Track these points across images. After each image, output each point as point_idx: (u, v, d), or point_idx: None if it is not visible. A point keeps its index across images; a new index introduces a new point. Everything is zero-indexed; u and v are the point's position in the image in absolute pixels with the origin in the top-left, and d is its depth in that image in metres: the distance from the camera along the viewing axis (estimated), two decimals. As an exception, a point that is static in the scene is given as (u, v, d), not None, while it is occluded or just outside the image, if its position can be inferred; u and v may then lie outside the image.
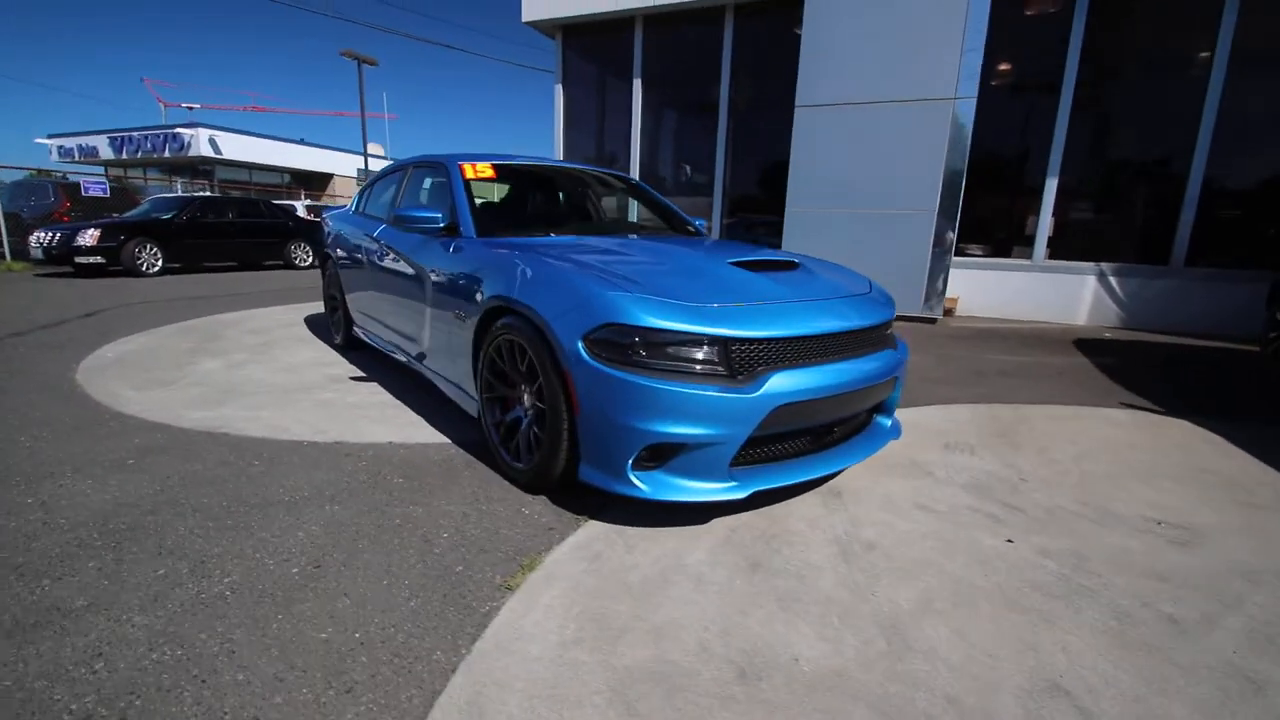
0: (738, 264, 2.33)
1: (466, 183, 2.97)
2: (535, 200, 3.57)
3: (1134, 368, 4.56)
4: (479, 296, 2.40)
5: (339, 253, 4.09)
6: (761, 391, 1.87)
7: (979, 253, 6.87)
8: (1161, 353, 5.16)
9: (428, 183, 3.44)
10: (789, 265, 2.45)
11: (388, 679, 1.34)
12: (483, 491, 2.26)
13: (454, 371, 2.74)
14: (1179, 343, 5.57)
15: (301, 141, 29.91)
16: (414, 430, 2.85)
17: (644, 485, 1.90)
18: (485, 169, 3.11)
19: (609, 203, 3.63)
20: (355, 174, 34.05)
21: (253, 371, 3.80)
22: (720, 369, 1.89)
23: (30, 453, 2.49)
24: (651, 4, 7.50)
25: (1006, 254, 6.82)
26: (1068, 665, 1.45)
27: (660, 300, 1.93)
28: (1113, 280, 6.30)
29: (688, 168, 8.08)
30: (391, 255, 3.27)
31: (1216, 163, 5.89)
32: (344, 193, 31.23)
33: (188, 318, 5.62)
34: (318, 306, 6.50)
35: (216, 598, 1.59)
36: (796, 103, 6.42)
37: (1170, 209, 6.11)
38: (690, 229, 3.46)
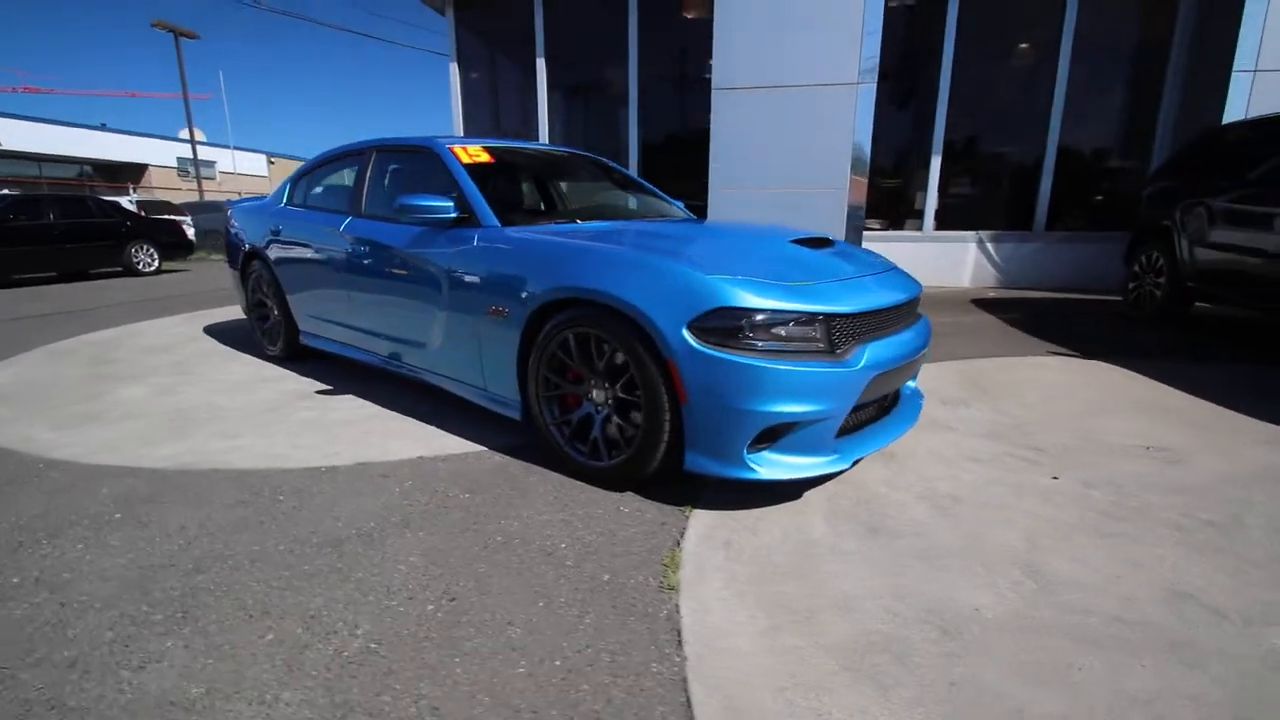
0: (797, 242, 2.37)
1: (468, 168, 2.74)
2: (531, 186, 3.35)
3: (1032, 320, 5.25)
4: (527, 291, 2.24)
5: (276, 252, 3.59)
6: (861, 364, 1.94)
7: (878, 227, 7.50)
8: (1046, 306, 5.98)
9: (397, 169, 3.11)
10: (830, 243, 2.54)
11: (627, 701, 1.25)
12: (565, 495, 2.14)
13: (479, 374, 2.55)
14: (1054, 297, 6.49)
15: (103, 127, 25.51)
16: (436, 442, 2.62)
17: (759, 467, 1.91)
18: (479, 153, 2.88)
19: (601, 186, 3.49)
20: (176, 164, 29.78)
21: (190, 395, 3.25)
22: (823, 345, 1.93)
23: (-36, 523, 1.96)
24: (551, -20, 7.27)
25: (901, 227, 7.51)
26: (1173, 573, 1.68)
27: (762, 282, 1.92)
28: (990, 246, 7.18)
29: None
30: (371, 251, 2.93)
31: (1065, 141, 6.89)
32: (162, 184, 27.23)
33: (47, 340, 4.65)
34: (212, 316, 5.67)
35: (364, 653, 1.38)
36: (713, 85, 6.56)
37: (1031, 182, 7.06)
38: (685, 213, 3.44)
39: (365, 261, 2.97)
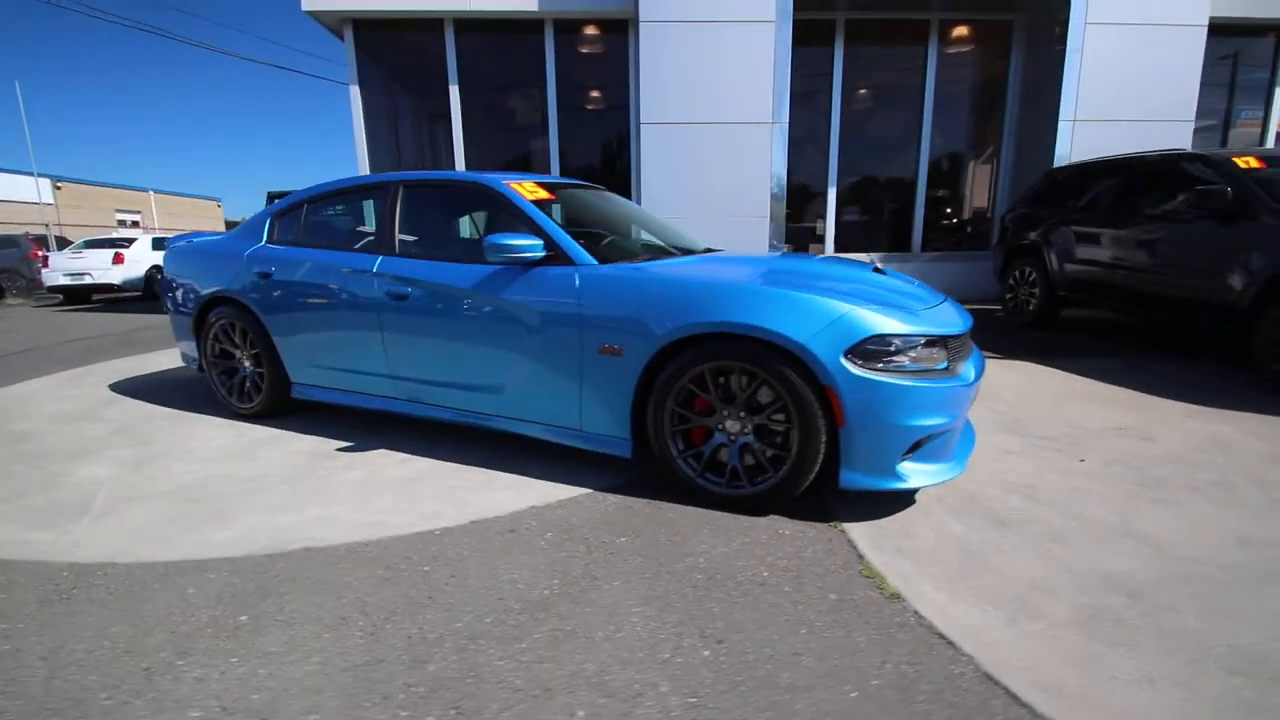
0: (875, 272, 2.63)
1: (540, 205, 2.68)
2: (578, 221, 3.25)
3: (941, 329, 6.08)
4: (653, 328, 2.26)
5: (263, 296, 3.17)
6: (971, 378, 2.23)
7: (789, 250, 8.20)
8: (936, 316, 6.93)
9: (439, 205, 2.94)
10: (883, 273, 2.83)
11: (961, 702, 1.36)
12: (718, 526, 2.17)
13: (574, 414, 2.50)
14: (933, 308, 7.54)
15: None
16: (531, 489, 2.50)
17: (909, 477, 2.11)
18: (537, 189, 2.81)
19: (629, 219, 3.47)
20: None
21: (181, 468, 2.76)
22: (945, 363, 2.19)
23: (49, 671, 1.55)
24: (462, 8, 7.10)
25: (806, 250, 8.27)
26: (1223, 524, 2.13)
27: (897, 309, 2.14)
28: (880, 266, 8.16)
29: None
30: (422, 292, 2.73)
31: (932, 175, 8.07)
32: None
33: (-114, 418, 3.63)
34: (102, 371, 4.74)
35: (693, 709, 1.35)
36: (640, 120, 6.82)
37: (908, 211, 8.16)
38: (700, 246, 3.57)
39: (412, 304, 2.75)
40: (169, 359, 5.21)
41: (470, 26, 7.37)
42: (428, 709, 1.36)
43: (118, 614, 1.72)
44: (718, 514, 2.26)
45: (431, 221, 2.94)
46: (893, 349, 2.06)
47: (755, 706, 1.35)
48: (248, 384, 3.41)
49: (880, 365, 2.05)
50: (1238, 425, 3.12)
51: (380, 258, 2.88)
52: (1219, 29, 7.09)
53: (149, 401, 3.85)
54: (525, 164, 7.98)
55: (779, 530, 2.14)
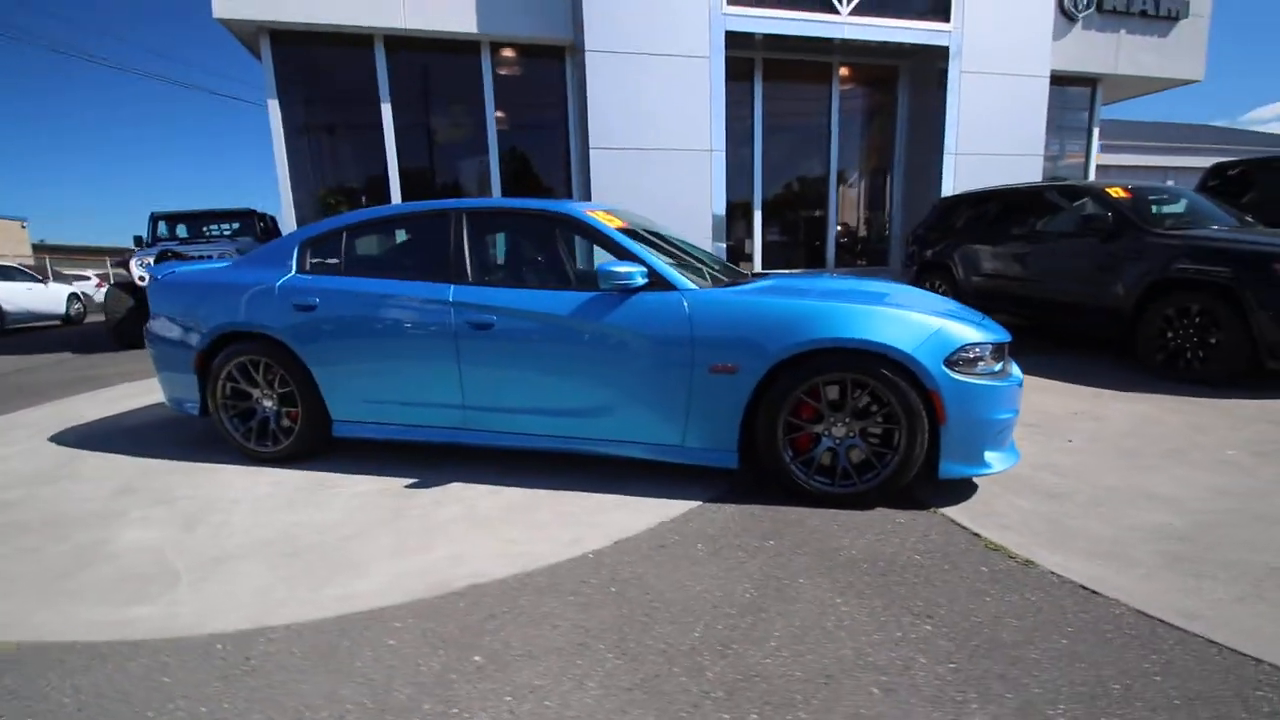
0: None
1: (628, 233, 2.79)
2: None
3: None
4: (767, 346, 2.46)
5: (303, 330, 2.94)
6: (1021, 378, 2.68)
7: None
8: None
9: (515, 233, 2.93)
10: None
11: (1148, 634, 1.71)
12: (839, 520, 2.41)
13: (677, 431, 2.64)
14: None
15: None
16: (641, 507, 2.58)
17: (992, 464, 2.49)
18: (613, 218, 2.91)
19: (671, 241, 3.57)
20: None
21: (241, 521, 2.51)
22: (1005, 365, 2.61)
23: (282, 728, 1.43)
24: (393, 25, 6.86)
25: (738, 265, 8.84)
26: (1212, 479, 2.73)
27: (969, 322, 2.53)
28: (801, 281, 8.95)
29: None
30: (512, 320, 2.72)
31: (840, 201, 8.99)
32: None
33: None
34: (30, 424, 4.00)
35: (953, 673, 1.57)
36: (590, 145, 6.98)
37: (821, 232, 9.01)
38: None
39: (499, 332, 2.73)
40: (89, 405, 4.51)
41: (403, 45, 7.13)
42: (744, 709, 1.46)
43: (331, 676, 1.61)
44: (829, 511, 2.50)
45: (515, 250, 2.93)
46: (976, 356, 2.43)
47: (1002, 662, 1.60)
48: (271, 425, 3.13)
49: (969, 370, 2.41)
50: (1154, 405, 3.91)
51: (453, 286, 2.82)
52: (1055, 79, 8.65)
53: (127, 454, 3.37)
54: (458, 185, 7.81)
55: (895, 520, 2.43)
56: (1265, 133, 26.81)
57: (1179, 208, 5.47)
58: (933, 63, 8.20)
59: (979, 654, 1.64)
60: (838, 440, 2.53)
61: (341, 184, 7.62)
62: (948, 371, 2.37)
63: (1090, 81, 9.50)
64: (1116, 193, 5.26)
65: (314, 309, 2.94)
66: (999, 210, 6.38)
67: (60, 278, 13.96)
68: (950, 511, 2.48)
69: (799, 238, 9.15)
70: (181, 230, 8.66)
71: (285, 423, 3.12)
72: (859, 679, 1.55)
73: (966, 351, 2.41)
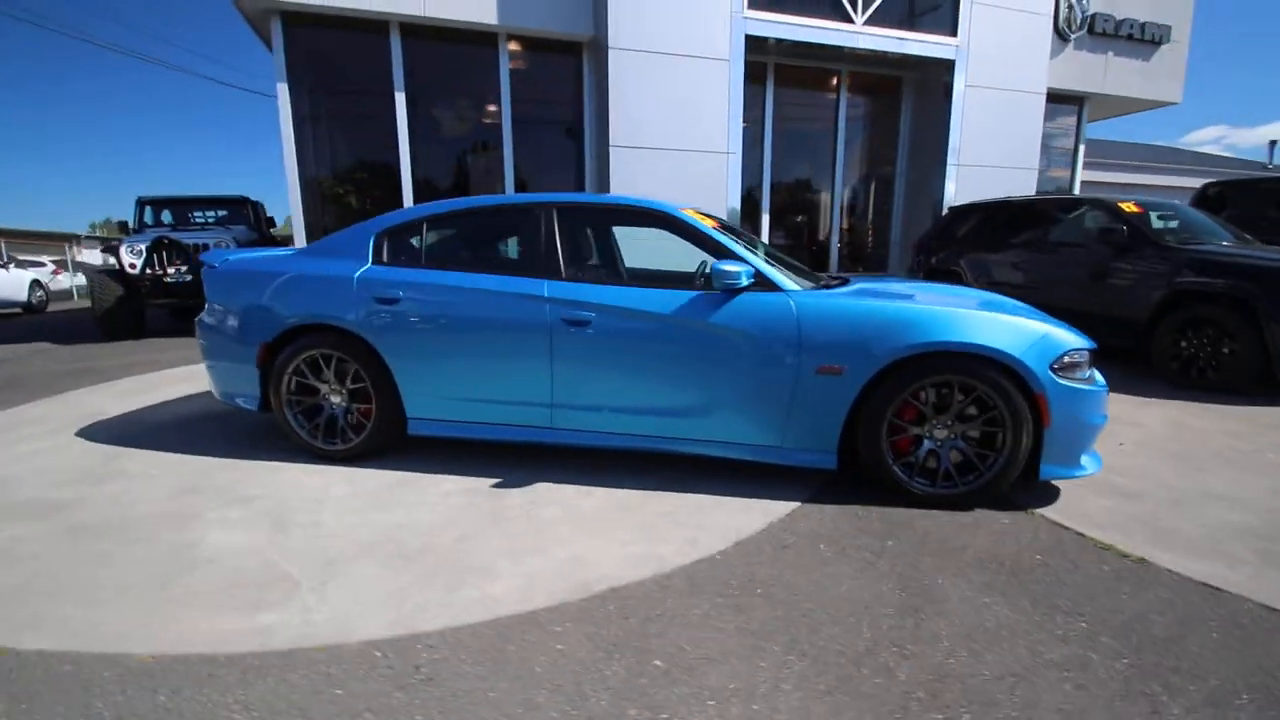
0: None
1: (728, 231, 2.78)
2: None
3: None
4: (876, 349, 2.48)
5: (385, 325, 2.84)
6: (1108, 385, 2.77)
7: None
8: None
9: (607, 231, 2.88)
10: (983, 295, 3.32)
11: (1276, 626, 1.79)
12: (948, 521, 2.45)
13: (777, 432, 2.64)
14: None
15: None
16: (745, 508, 2.57)
17: (1086, 467, 2.57)
18: (706, 218, 2.90)
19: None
20: None
21: (333, 525, 2.40)
22: (1094, 372, 2.69)
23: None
24: (409, 12, 6.69)
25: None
26: (1264, 481, 2.88)
27: (1066, 329, 2.60)
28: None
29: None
30: (612, 318, 2.67)
31: (842, 203, 9.15)
32: None
33: None
34: (44, 419, 3.74)
35: (1127, 666, 1.61)
36: (611, 142, 6.94)
37: (826, 235, 9.15)
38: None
39: (597, 330, 2.68)
40: (103, 399, 4.26)
41: (418, 33, 6.95)
42: (953, 710, 1.47)
43: (515, 682, 1.56)
44: (931, 512, 2.54)
45: (608, 248, 2.87)
46: (1077, 361, 2.51)
47: (1169, 656, 1.65)
48: (339, 422, 3.01)
49: (1071, 375, 2.48)
50: (1182, 411, 4.09)
51: (547, 282, 2.76)
52: (1047, 96, 8.99)
53: (171, 451, 3.19)
54: (472, 179, 7.66)
55: (999, 521, 2.48)
56: (1206, 153, 28.43)
57: (1183, 223, 5.75)
58: (937, 75, 8.42)
59: (1144, 649, 1.69)
60: (939, 442, 2.57)
61: (351, 174, 7.38)
62: (1053, 376, 2.43)
63: (1079, 100, 9.91)
64: (1129, 207, 5.49)
65: (396, 302, 2.83)
66: (1010, 220, 6.59)
67: (18, 263, 13.12)
68: (1046, 513, 2.54)
69: (802, 241, 9.28)
70: (167, 216, 8.25)
71: (354, 419, 3.00)
72: (1046, 676, 1.58)
73: (1070, 357, 2.48)
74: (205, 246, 6.89)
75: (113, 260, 6.76)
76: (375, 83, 6.93)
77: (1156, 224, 5.47)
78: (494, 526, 2.40)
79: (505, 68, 7.29)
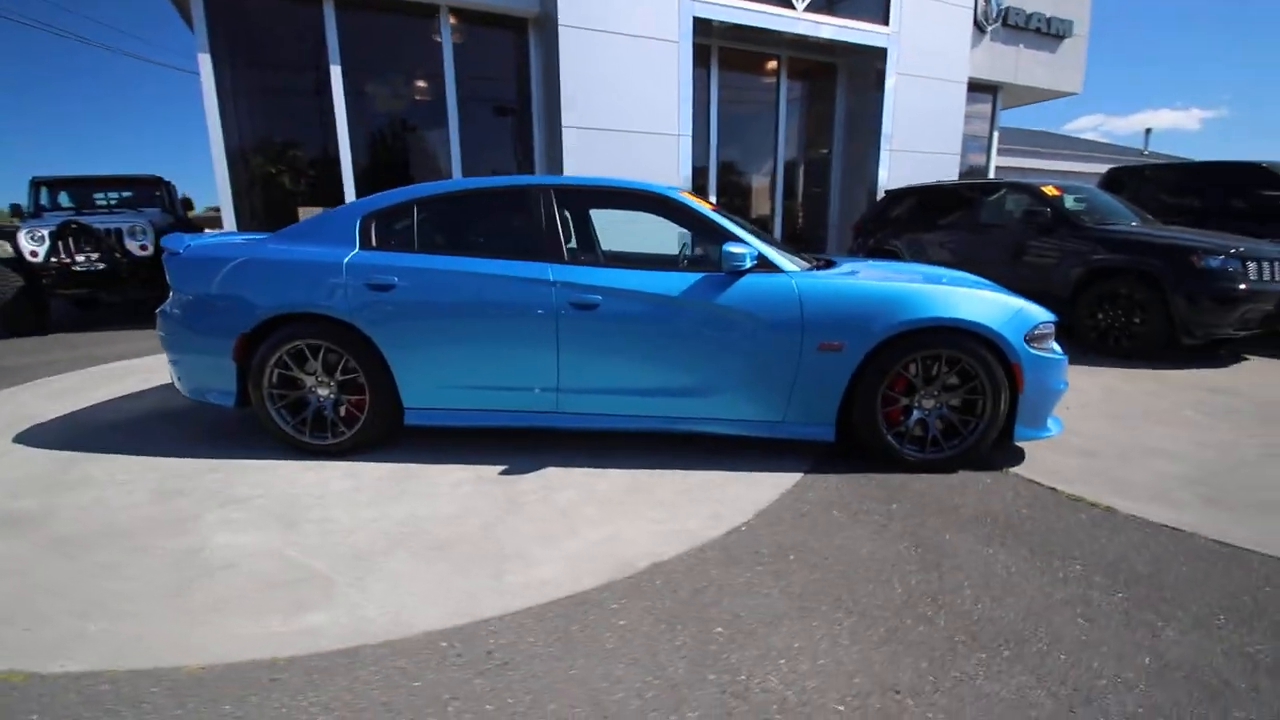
0: (969, 275, 3.34)
1: (723, 214, 2.84)
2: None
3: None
4: (873, 325, 2.64)
5: (380, 313, 2.73)
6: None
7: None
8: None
9: (608, 214, 2.88)
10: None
11: (1231, 556, 2.08)
12: (939, 483, 2.65)
13: (779, 408, 2.77)
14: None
15: None
16: (754, 482, 2.68)
17: (1051, 429, 2.85)
18: (703, 201, 2.95)
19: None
20: None
21: (347, 521, 2.33)
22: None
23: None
24: (342, -20, 6.30)
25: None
26: (1192, 435, 3.28)
27: (1035, 303, 2.85)
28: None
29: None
30: (619, 301, 2.69)
31: (784, 190, 9.42)
32: None
33: None
34: None
35: (1141, 598, 1.84)
36: (563, 123, 6.83)
37: (768, 216, 9.41)
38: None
39: (604, 313, 2.70)
40: (31, 400, 3.85)
41: (353, 3, 6.54)
42: (994, 648, 1.63)
43: (591, 659, 1.59)
44: (922, 476, 2.74)
45: (592, 229, 2.87)
46: (1045, 333, 2.76)
47: (1155, 589, 1.90)
48: (328, 416, 2.89)
49: (1041, 345, 2.74)
50: (1110, 377, 4.55)
51: (552, 265, 2.74)
52: (968, 86, 9.57)
53: (133, 454, 2.94)
54: (416, 157, 7.35)
55: (982, 481, 2.71)
56: (1093, 140, 31.09)
57: (1093, 205, 6.31)
58: (871, 62, 8.78)
59: (1132, 584, 1.92)
60: (926, 411, 2.78)
61: (283, 153, 6.90)
62: (1027, 347, 2.67)
63: (993, 89, 10.60)
64: (1051, 191, 5.98)
65: (391, 289, 2.73)
66: (943, 202, 7.02)
67: None
68: (1019, 471, 2.81)
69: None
70: (65, 199, 7.44)
71: (344, 412, 2.89)
72: (1060, 614, 1.78)
73: (1040, 329, 2.72)
74: (119, 231, 6.30)
75: (9, 248, 6.04)
76: (309, 56, 6.50)
77: (1072, 206, 6.00)
78: (516, 513, 2.40)
79: (449, 43, 7.00)
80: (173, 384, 3.12)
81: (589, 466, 2.83)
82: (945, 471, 2.78)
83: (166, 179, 7.81)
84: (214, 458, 2.93)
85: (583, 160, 6.92)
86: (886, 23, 8.39)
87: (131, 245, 6.33)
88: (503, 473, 2.77)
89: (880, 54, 8.53)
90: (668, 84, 7.22)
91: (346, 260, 2.77)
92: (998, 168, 11.67)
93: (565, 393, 2.82)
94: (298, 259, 2.81)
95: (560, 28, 6.62)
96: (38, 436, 3.21)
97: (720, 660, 1.59)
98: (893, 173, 8.82)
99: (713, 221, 2.82)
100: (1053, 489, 2.63)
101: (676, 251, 3.69)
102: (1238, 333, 4.88)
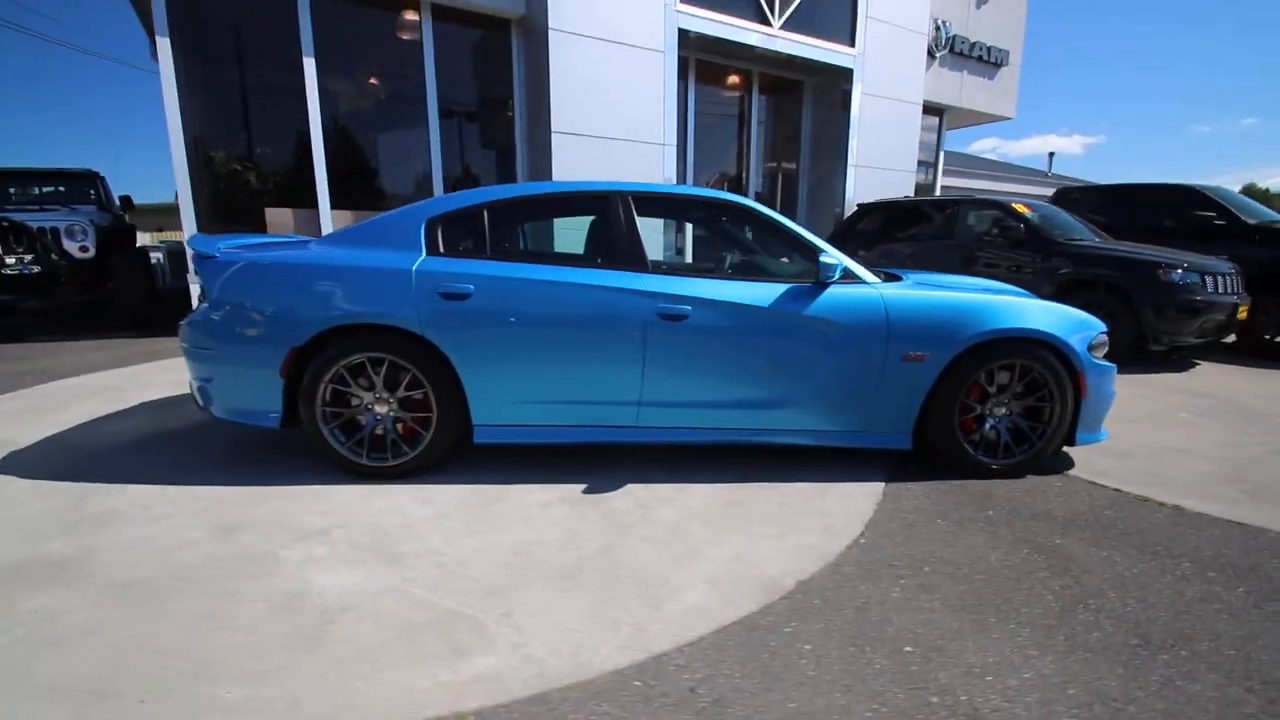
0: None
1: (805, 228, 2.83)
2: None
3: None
4: (953, 335, 2.71)
5: (474, 319, 2.55)
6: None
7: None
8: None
9: (696, 222, 2.79)
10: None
11: (1314, 549, 2.25)
12: (1020, 488, 2.74)
13: (862, 417, 2.79)
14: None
15: None
16: (847, 492, 2.67)
17: (1104, 433, 3.01)
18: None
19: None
20: None
21: (453, 553, 2.14)
22: (1100, 351, 3.14)
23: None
24: (316, -32, 5.91)
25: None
26: (1207, 435, 3.55)
27: (1090, 315, 3.01)
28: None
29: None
30: (711, 312, 2.62)
31: (756, 199, 9.60)
32: None
33: None
34: None
35: (1223, 577, 1.95)
36: (552, 129, 6.67)
37: (740, 227, 9.55)
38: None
39: (694, 324, 2.62)
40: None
41: (329, -8, 6.15)
42: (1164, 642, 1.68)
43: (801, 685, 1.52)
44: (997, 481, 2.82)
45: (701, 240, 2.79)
46: (1102, 342, 2.92)
47: (1256, 580, 2.02)
48: (388, 435, 2.66)
49: (1098, 354, 2.89)
50: (1093, 380, 4.88)
51: (636, 274, 2.64)
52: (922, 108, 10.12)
53: (159, 482, 2.59)
54: (393, 158, 6.98)
55: (1052, 485, 2.83)
56: (995, 160, 33.67)
57: (1054, 221, 6.79)
58: (837, 81, 9.12)
59: (1243, 577, 2.04)
60: (998, 418, 2.87)
61: (251, 150, 6.36)
62: (1089, 355, 2.81)
63: (940, 111, 11.26)
64: (1022, 208, 6.40)
65: (467, 298, 2.55)
66: (916, 217, 7.36)
67: None
68: (1078, 475, 2.95)
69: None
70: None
71: (401, 430, 2.67)
72: (1205, 610, 1.86)
73: (1099, 338, 2.88)
74: (55, 231, 5.62)
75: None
76: (280, 48, 6.04)
77: (1039, 223, 6.43)
78: (625, 535, 2.28)
79: (430, 40, 6.70)
80: (196, 403, 2.79)
81: (669, 482, 2.74)
82: (1014, 477, 2.88)
83: (100, 173, 7.06)
84: (253, 484, 2.63)
85: (572, 167, 6.79)
86: (853, 44, 8.74)
87: (70, 246, 5.68)
88: (586, 491, 2.64)
89: (847, 74, 8.88)
90: (654, 93, 7.21)
91: (415, 267, 2.57)
92: (923, 185, 12.37)
93: (646, 406, 2.73)
94: (359, 265, 2.58)
95: (550, 32, 6.48)
96: (23, 465, 2.78)
97: (931, 681, 1.55)
98: (857, 188, 9.18)
99: (796, 233, 2.81)
100: (1117, 490, 2.77)
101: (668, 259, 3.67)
102: (1197, 340, 5.37)
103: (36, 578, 1.92)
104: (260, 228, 6.08)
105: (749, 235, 3.11)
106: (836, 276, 2.65)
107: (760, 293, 2.69)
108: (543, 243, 2.86)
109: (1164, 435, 3.56)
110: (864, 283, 2.78)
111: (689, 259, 7.54)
